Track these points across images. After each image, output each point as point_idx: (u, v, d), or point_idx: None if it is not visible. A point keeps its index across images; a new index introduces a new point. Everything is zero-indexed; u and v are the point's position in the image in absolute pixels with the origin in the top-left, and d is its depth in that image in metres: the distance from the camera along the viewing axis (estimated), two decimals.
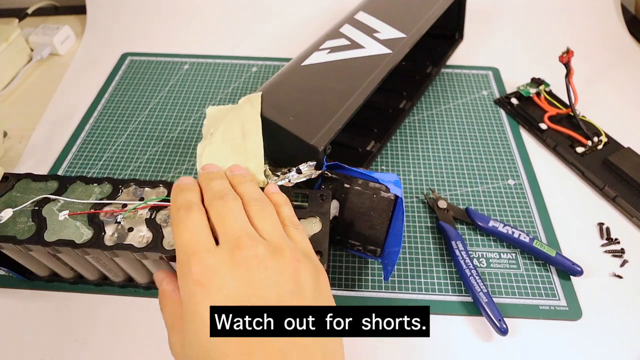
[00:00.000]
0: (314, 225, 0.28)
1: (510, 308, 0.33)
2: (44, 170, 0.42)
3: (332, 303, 0.24)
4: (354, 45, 0.40)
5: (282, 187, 0.29)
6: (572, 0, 0.59)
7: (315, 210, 0.29)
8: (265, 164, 0.31)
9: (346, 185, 0.30)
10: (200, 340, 0.21)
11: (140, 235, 0.27)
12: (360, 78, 0.36)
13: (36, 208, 0.29)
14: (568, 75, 0.43)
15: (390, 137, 0.44)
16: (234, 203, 0.25)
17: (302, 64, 0.38)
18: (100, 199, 0.29)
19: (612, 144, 0.43)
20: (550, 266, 0.35)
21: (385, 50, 0.39)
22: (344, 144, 0.41)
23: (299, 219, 0.27)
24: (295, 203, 0.28)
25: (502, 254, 0.36)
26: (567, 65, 0.43)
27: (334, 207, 0.31)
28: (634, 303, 0.33)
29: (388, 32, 0.41)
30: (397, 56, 0.39)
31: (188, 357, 0.21)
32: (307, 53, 0.39)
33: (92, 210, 0.28)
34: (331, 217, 0.30)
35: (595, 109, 0.46)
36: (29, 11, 0.59)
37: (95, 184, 0.30)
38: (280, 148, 0.33)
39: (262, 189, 0.28)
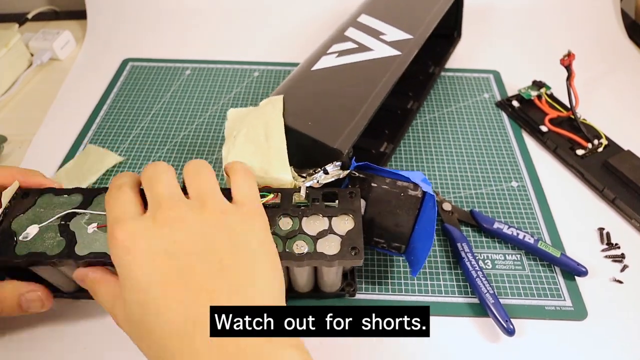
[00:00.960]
0: (347, 222, 0.28)
1: (517, 309, 0.33)
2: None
3: (273, 247, 0.25)
4: (362, 48, 0.40)
5: (310, 188, 0.30)
6: (573, 5, 0.60)
7: (347, 208, 0.29)
8: (290, 165, 0.31)
9: (373, 185, 0.30)
10: (139, 300, 0.21)
11: None
12: (373, 81, 0.36)
13: (63, 222, 0.28)
14: (569, 78, 0.43)
15: (402, 138, 0.44)
16: (164, 169, 0.26)
17: (312, 68, 0.38)
18: None
19: (612, 147, 0.43)
20: (555, 267, 0.35)
21: (394, 52, 0.39)
22: (357, 147, 0.41)
23: (331, 217, 0.28)
24: (325, 203, 0.29)
25: (507, 255, 0.36)
26: (568, 68, 0.43)
27: (362, 205, 0.31)
28: (635, 306, 0.33)
29: (394, 33, 0.41)
30: (407, 57, 0.39)
31: (131, 322, 0.22)
32: (315, 58, 0.39)
33: None
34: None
35: (595, 112, 0.47)
36: (29, 16, 0.59)
37: None
38: (301, 154, 0.33)
39: (292, 190, 0.29)
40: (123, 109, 0.48)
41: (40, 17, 0.60)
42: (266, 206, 0.28)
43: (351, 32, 0.42)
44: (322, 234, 0.28)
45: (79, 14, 0.59)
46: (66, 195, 0.30)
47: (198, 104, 0.49)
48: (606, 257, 0.36)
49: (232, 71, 0.53)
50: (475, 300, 0.33)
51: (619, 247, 0.37)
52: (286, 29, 0.59)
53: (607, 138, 0.44)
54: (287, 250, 0.27)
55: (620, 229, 0.38)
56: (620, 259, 0.36)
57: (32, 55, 0.54)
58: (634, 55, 0.56)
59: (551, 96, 0.48)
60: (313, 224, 0.28)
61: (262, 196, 0.28)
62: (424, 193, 0.30)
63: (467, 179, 0.42)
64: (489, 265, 0.35)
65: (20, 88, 0.52)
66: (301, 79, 0.37)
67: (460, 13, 0.51)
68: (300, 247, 0.27)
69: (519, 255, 0.36)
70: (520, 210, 0.39)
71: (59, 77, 0.53)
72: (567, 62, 0.43)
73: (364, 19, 0.44)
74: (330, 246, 0.27)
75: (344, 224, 0.28)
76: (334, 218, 0.28)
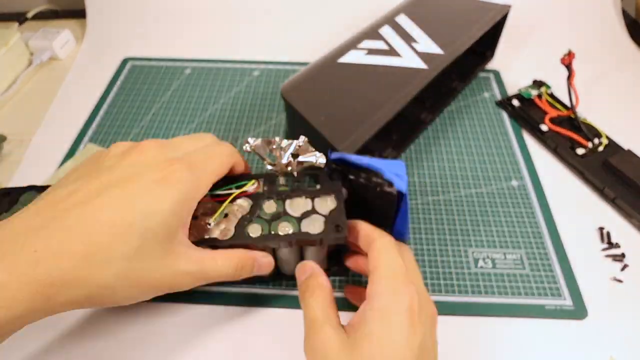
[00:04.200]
0: (329, 202, 0.29)
1: (517, 308, 0.33)
2: (46, 175, 0.42)
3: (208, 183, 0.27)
4: (392, 52, 0.40)
5: (291, 175, 0.30)
6: (574, 4, 0.60)
7: (328, 188, 0.29)
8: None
9: (351, 177, 0.30)
10: None
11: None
12: (394, 89, 0.36)
13: None
14: (569, 77, 0.43)
15: (408, 147, 0.44)
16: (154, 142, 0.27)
17: (338, 60, 0.38)
18: None
19: (613, 146, 0.43)
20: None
21: (421, 64, 0.39)
22: (360, 147, 0.41)
23: (314, 198, 0.29)
24: (309, 187, 0.30)
25: (507, 255, 0.36)
26: (568, 67, 0.43)
27: (344, 193, 0.31)
28: (635, 305, 0.33)
29: (426, 44, 0.41)
30: (432, 73, 0.39)
31: None
32: (344, 49, 0.39)
33: None
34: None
35: (596, 111, 0.47)
36: (29, 15, 0.59)
37: None
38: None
39: (274, 175, 0.30)
40: (123, 108, 0.48)
41: (40, 16, 0.60)
42: (249, 194, 0.29)
43: (385, 31, 0.42)
44: (305, 215, 0.28)
45: (79, 13, 0.59)
46: None
47: (198, 103, 0.49)
48: (606, 256, 0.36)
49: (232, 70, 0.53)
50: (472, 300, 0.33)
51: (619, 247, 0.37)
52: (286, 28, 0.59)
53: (607, 137, 0.44)
54: (272, 232, 0.27)
55: (621, 228, 0.38)
56: (620, 258, 0.36)
57: (31, 54, 0.54)
58: (635, 54, 0.56)
59: (551, 95, 0.48)
60: (297, 206, 0.29)
61: (243, 185, 0.29)
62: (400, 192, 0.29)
63: (466, 178, 0.42)
64: (489, 265, 0.35)
65: (20, 87, 0.52)
66: (325, 70, 0.37)
67: (499, 34, 0.49)
68: (284, 228, 0.28)
69: (519, 255, 0.36)
70: (520, 209, 0.39)
71: (59, 76, 0.53)
72: (568, 61, 0.43)
73: (402, 19, 0.43)
74: (314, 226, 0.28)
75: (327, 204, 0.29)
76: (316, 199, 0.29)
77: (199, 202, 0.27)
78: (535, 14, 0.60)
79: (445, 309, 0.33)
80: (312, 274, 0.27)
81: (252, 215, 0.28)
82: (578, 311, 0.33)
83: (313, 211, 0.28)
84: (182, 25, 0.59)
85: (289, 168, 0.29)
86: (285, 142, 0.29)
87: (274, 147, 0.29)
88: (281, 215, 0.28)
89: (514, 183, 0.41)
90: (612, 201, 0.39)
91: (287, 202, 0.29)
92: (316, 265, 0.28)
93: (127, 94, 0.50)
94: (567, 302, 0.33)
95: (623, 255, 0.36)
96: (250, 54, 0.55)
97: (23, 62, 0.53)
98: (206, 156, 0.27)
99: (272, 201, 0.29)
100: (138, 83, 0.51)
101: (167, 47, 0.56)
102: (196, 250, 0.26)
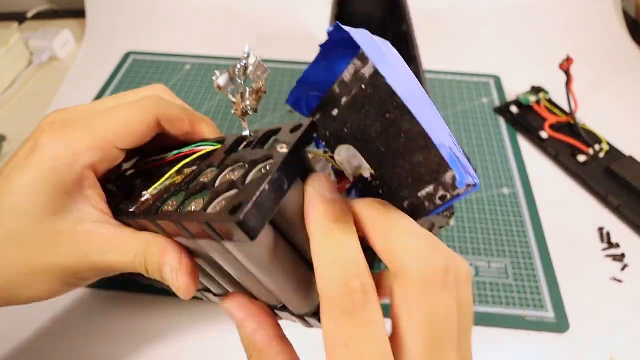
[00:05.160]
0: (265, 170, 0.18)
1: (497, 318, 0.33)
2: None
3: None
4: None
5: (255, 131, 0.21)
6: (574, 6, 0.58)
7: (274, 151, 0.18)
8: None
9: (343, 101, 0.18)
10: None
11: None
12: None
13: None
14: (568, 82, 0.43)
15: None
16: None
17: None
18: None
19: (614, 153, 0.43)
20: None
21: None
22: None
23: (255, 165, 0.18)
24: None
25: (491, 264, 0.36)
26: (567, 73, 0.42)
27: (351, 155, 0.19)
28: (618, 322, 0.33)
29: None
30: None
31: None
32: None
33: None
34: (361, 174, 0.19)
35: (596, 116, 0.46)
36: (29, 15, 0.60)
37: None
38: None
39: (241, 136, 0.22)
40: None
41: (40, 16, 0.61)
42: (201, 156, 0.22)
43: None
44: (224, 189, 0.18)
45: (78, 13, 0.60)
46: None
47: (195, 98, 0.49)
48: (607, 256, 0.36)
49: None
50: None
51: (619, 247, 0.37)
52: (287, 26, 0.58)
53: (608, 143, 0.43)
54: (178, 210, 0.19)
55: (624, 235, 0.38)
56: (620, 257, 0.36)
57: (31, 54, 0.55)
58: (636, 55, 0.54)
59: (550, 101, 0.47)
60: (231, 176, 0.19)
61: (198, 147, 0.22)
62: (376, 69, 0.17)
63: None
64: (472, 272, 0.35)
65: (20, 87, 0.52)
66: None
67: None
68: (193, 205, 0.18)
69: (503, 264, 0.36)
70: (510, 217, 0.39)
71: (59, 76, 0.53)
72: (566, 67, 0.42)
73: None
74: (219, 204, 0.18)
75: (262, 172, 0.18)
76: (257, 167, 0.18)
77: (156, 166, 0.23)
78: (536, 19, 0.58)
79: None
80: (250, 343, 0.19)
81: (181, 185, 0.20)
82: (559, 324, 0.32)
83: (237, 183, 0.17)
84: (181, 22, 0.59)
85: (245, 104, 0.20)
86: (239, 65, 0.20)
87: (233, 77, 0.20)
88: (205, 187, 0.19)
89: (505, 191, 0.41)
90: (616, 209, 0.39)
91: (227, 170, 0.19)
92: (252, 307, 0.19)
93: (127, 89, 0.50)
94: (550, 314, 0.33)
95: (623, 255, 0.36)
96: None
97: (23, 62, 0.54)
98: (104, 113, 0.22)
99: (213, 169, 0.20)
100: (138, 78, 0.52)
101: (168, 42, 0.56)
102: (98, 229, 0.21)
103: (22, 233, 0.21)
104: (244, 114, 0.20)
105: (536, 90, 0.47)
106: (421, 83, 0.23)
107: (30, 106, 0.50)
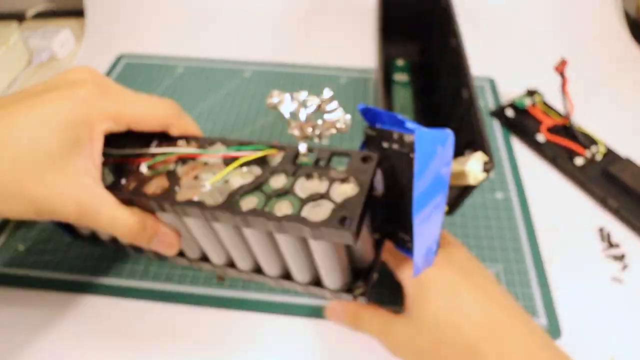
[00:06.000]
0: (349, 189, 0.22)
1: None
2: None
3: None
4: None
5: (320, 149, 0.24)
6: (574, 7, 0.58)
7: (354, 173, 0.23)
8: None
9: (384, 145, 0.23)
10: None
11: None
12: None
13: None
14: (563, 85, 0.42)
15: None
16: None
17: None
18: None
19: (611, 155, 0.42)
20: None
21: None
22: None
23: (333, 181, 0.23)
24: (334, 166, 0.24)
25: None
26: (562, 75, 0.42)
27: (378, 180, 0.24)
28: (610, 332, 0.33)
29: None
30: None
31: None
32: None
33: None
34: (376, 193, 0.24)
35: (592, 118, 0.45)
36: (28, 15, 0.60)
37: None
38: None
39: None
40: None
41: (40, 15, 0.61)
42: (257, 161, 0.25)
43: None
44: (312, 198, 0.22)
45: (78, 13, 0.60)
46: None
47: (187, 101, 0.49)
48: (607, 256, 0.36)
49: (222, 71, 0.53)
50: None
51: (618, 246, 0.37)
52: (279, 30, 0.58)
53: (604, 146, 0.43)
54: (265, 209, 0.22)
55: (624, 237, 0.38)
56: (621, 257, 0.36)
57: (31, 53, 0.55)
58: (636, 55, 0.54)
59: (545, 104, 0.47)
60: (309, 186, 0.23)
61: (257, 149, 0.25)
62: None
63: None
64: None
65: (20, 86, 0.53)
66: None
67: None
68: (282, 208, 0.22)
69: (496, 270, 0.35)
70: (502, 222, 0.38)
71: None
72: (561, 69, 0.42)
73: None
74: (317, 213, 0.21)
75: (345, 190, 0.22)
76: (335, 183, 0.23)
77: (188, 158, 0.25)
78: (533, 19, 0.58)
79: None
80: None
81: (252, 186, 0.23)
82: (552, 330, 0.32)
83: (325, 196, 0.22)
84: (177, 24, 0.59)
85: (310, 130, 0.23)
86: (303, 95, 0.23)
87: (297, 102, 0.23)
88: (285, 193, 0.23)
89: (498, 195, 0.41)
90: (615, 211, 0.39)
91: (300, 180, 0.23)
92: (345, 311, 0.29)
93: None
94: (542, 320, 0.33)
95: (623, 256, 0.36)
96: (242, 54, 0.55)
97: (22, 61, 0.55)
98: (134, 97, 0.25)
99: (283, 175, 0.24)
100: (130, 80, 0.52)
101: (165, 45, 0.56)
102: (96, 186, 0.24)
103: (31, 161, 0.22)
104: (306, 138, 0.24)
105: (531, 93, 0.47)
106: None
107: None
